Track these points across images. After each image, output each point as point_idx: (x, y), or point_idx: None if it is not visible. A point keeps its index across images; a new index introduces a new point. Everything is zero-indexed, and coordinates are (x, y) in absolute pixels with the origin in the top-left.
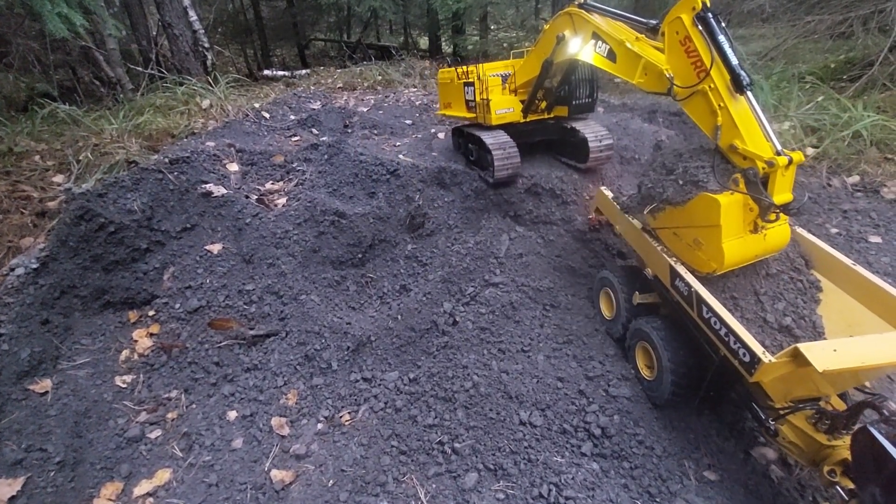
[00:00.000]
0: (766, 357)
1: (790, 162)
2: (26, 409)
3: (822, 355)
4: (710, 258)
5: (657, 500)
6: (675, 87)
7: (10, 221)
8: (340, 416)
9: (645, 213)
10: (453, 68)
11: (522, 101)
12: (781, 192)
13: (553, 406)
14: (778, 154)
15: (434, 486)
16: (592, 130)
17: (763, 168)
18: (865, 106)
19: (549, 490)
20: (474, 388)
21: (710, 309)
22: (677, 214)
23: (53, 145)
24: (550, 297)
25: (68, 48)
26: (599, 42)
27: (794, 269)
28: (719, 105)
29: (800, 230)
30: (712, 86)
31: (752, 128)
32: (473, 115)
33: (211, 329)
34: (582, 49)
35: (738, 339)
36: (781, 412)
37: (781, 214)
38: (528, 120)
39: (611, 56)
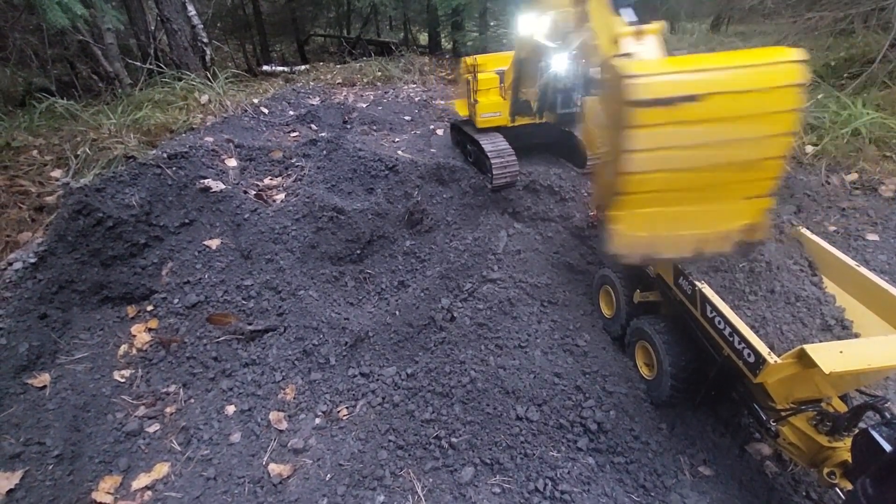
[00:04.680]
0: (771, 358)
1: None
2: (24, 402)
3: (829, 357)
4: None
5: (652, 494)
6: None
7: (7, 216)
8: (338, 411)
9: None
10: (472, 58)
11: None
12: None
13: (550, 401)
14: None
15: (431, 480)
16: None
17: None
18: (865, 103)
19: (545, 484)
20: (471, 383)
21: (715, 308)
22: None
23: (51, 140)
24: (548, 294)
25: (66, 42)
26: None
27: (800, 270)
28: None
29: (803, 230)
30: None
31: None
32: (467, 113)
33: (209, 324)
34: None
35: (743, 339)
36: (783, 413)
37: None
38: (524, 123)
39: None
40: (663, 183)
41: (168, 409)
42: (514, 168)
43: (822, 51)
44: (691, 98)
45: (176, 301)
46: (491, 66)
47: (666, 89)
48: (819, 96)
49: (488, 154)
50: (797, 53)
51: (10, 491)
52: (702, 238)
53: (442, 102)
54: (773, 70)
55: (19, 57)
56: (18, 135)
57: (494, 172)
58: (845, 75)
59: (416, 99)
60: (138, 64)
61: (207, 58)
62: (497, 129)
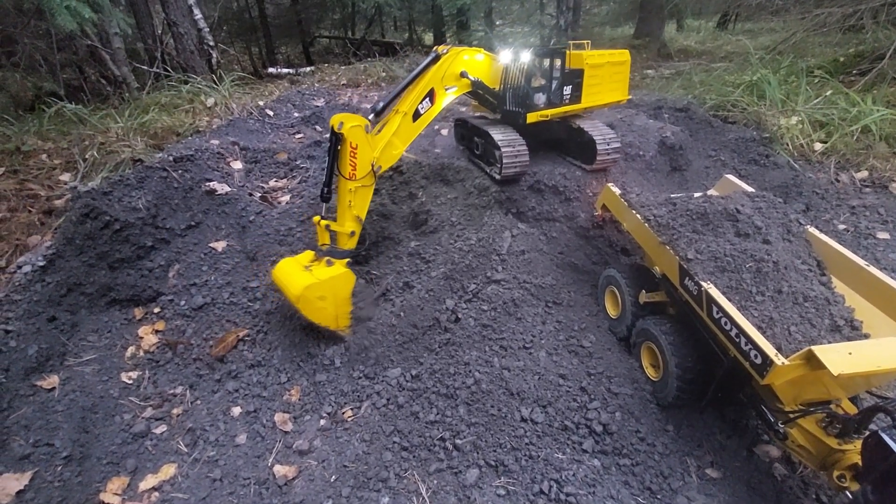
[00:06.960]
0: (778, 359)
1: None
2: (34, 404)
3: (837, 358)
4: None
5: (658, 497)
6: None
7: (17, 219)
8: (343, 413)
9: None
10: None
11: None
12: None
13: (554, 403)
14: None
15: (435, 481)
16: (600, 132)
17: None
18: (875, 100)
19: (550, 487)
20: (476, 384)
21: (721, 309)
22: None
23: (60, 144)
24: (553, 294)
25: (75, 47)
26: None
27: (808, 270)
28: None
29: (812, 230)
30: None
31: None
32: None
33: (218, 351)
34: None
35: (750, 340)
36: (791, 415)
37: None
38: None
39: None
40: None
41: (175, 411)
42: (525, 158)
43: (831, 47)
44: None
45: (182, 303)
46: None
47: None
48: (828, 93)
49: (499, 143)
50: None
51: (20, 492)
52: None
53: None
54: None
55: (29, 62)
56: (28, 139)
57: (504, 161)
58: (854, 72)
59: None
60: (145, 68)
61: (213, 61)
62: (509, 122)
